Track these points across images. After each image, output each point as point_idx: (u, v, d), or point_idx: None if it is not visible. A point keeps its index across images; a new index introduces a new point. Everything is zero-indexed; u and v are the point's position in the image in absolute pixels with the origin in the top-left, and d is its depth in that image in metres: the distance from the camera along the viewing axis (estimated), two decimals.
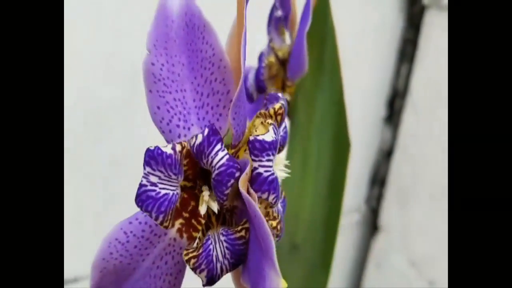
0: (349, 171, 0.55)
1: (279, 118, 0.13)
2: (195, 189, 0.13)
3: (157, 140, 0.13)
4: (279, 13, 0.19)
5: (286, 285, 0.10)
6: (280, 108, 0.13)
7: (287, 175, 0.14)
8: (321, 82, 0.21)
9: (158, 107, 0.12)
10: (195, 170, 0.13)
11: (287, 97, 0.22)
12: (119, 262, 0.13)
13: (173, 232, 0.13)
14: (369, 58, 0.47)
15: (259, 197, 0.12)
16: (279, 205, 0.14)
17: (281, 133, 0.14)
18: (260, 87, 0.20)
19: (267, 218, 0.13)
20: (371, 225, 0.53)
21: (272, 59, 0.20)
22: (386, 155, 0.49)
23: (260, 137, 0.11)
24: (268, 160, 0.11)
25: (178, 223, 0.13)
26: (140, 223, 0.13)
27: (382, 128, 0.49)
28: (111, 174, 0.35)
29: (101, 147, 0.34)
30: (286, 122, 0.19)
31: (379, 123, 0.49)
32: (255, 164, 0.11)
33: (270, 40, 0.20)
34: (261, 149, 0.11)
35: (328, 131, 0.22)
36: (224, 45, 0.13)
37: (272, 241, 0.10)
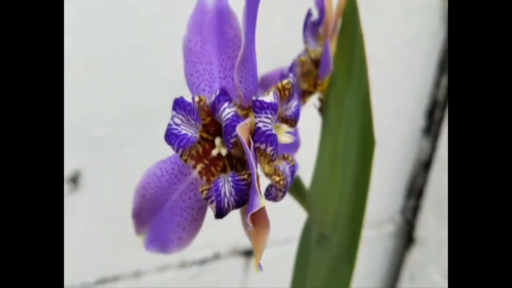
0: (384, 181, 0.54)
1: (286, 92, 0.16)
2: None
3: None
4: (314, 18, 0.22)
5: (264, 204, 0.13)
6: (287, 83, 0.16)
7: (291, 140, 0.17)
8: (350, 83, 0.23)
9: (191, 74, 0.16)
10: (215, 127, 0.16)
11: (320, 94, 0.25)
12: (154, 192, 0.17)
13: (195, 173, 0.17)
14: (409, 68, 0.48)
15: (258, 147, 0.15)
16: (287, 168, 0.17)
17: (292, 109, 0.18)
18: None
19: (272, 173, 0.17)
20: (406, 237, 0.52)
21: (304, 58, 0.23)
22: (423, 166, 0.49)
23: (260, 98, 0.15)
24: (266, 117, 0.15)
25: (199, 167, 0.17)
26: (171, 162, 0.17)
27: (420, 139, 0.49)
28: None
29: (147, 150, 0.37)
30: (318, 114, 0.21)
31: (417, 134, 0.49)
32: (256, 120, 0.15)
33: (305, 42, 0.23)
34: (260, 107, 0.15)
35: (355, 129, 0.24)
36: None
37: (255, 172, 0.13)
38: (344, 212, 0.27)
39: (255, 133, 0.15)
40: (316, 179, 0.27)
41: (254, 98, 0.15)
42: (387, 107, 0.49)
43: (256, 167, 0.15)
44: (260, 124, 0.15)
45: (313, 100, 0.26)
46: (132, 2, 0.37)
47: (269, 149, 0.15)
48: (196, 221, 0.18)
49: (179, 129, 0.15)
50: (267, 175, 0.17)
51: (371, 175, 0.25)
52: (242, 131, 0.14)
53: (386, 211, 0.53)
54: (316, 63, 0.23)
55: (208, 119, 0.16)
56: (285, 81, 0.16)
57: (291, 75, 0.17)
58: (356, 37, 0.22)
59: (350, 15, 0.21)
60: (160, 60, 0.38)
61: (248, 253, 0.51)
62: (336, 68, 0.23)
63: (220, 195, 0.15)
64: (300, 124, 0.31)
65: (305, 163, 0.28)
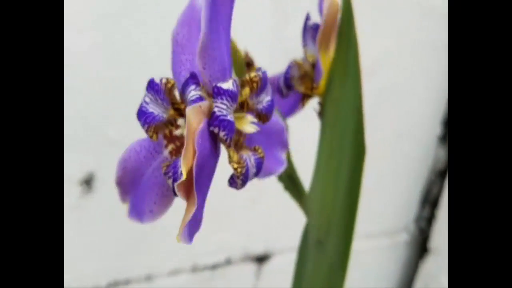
0: (399, 189, 0.52)
1: (254, 84, 0.18)
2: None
3: None
4: (312, 23, 0.23)
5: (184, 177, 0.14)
6: (255, 76, 0.17)
7: (254, 130, 0.18)
8: (345, 91, 0.24)
9: (175, 63, 0.18)
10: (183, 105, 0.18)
11: (317, 97, 0.25)
12: (134, 165, 0.19)
13: (166, 152, 0.19)
14: (426, 75, 0.46)
15: (212, 131, 0.16)
16: (252, 159, 0.18)
17: (264, 104, 0.19)
18: (287, 85, 0.24)
19: (233, 161, 0.18)
20: (420, 246, 0.50)
21: (301, 61, 0.24)
22: (439, 175, 0.46)
23: (219, 84, 0.16)
24: (222, 103, 0.16)
25: (170, 147, 0.18)
26: (148, 141, 0.19)
27: (437, 147, 0.47)
28: None
29: None
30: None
31: (434, 142, 0.47)
32: (213, 105, 0.16)
33: (304, 46, 0.24)
34: (217, 93, 0.16)
35: (348, 136, 0.25)
36: None
37: (190, 152, 0.15)
38: (337, 218, 0.27)
39: (211, 117, 0.16)
40: (313, 184, 0.28)
41: (213, 84, 0.16)
42: (404, 114, 0.49)
43: (212, 150, 0.17)
44: (215, 109, 0.16)
45: (314, 104, 0.26)
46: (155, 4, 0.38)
47: (222, 133, 0.16)
48: (166, 198, 0.19)
49: (148, 107, 0.17)
50: (229, 161, 0.18)
51: (362, 182, 0.25)
52: (192, 111, 0.15)
53: (401, 220, 0.52)
54: (314, 67, 0.24)
55: (183, 106, 0.18)
56: (252, 74, 0.17)
57: (263, 69, 0.18)
58: (352, 44, 0.22)
59: (346, 21, 0.22)
60: None
61: (260, 259, 0.51)
62: (332, 73, 0.23)
63: (176, 172, 0.17)
64: (306, 126, 0.32)
65: (309, 167, 0.29)
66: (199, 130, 0.15)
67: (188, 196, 0.15)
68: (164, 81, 0.17)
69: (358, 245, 0.51)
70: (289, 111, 0.26)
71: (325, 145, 0.26)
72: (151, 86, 0.17)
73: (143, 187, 0.20)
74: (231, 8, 0.17)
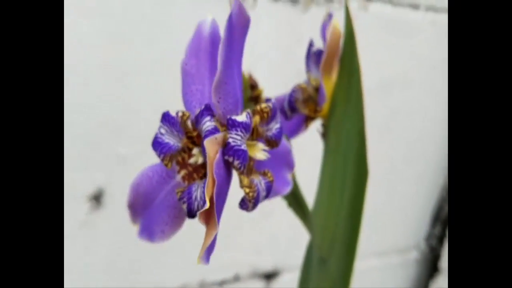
0: (410, 207, 0.52)
1: (265, 115, 0.18)
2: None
3: None
4: (315, 49, 0.24)
5: (208, 206, 0.15)
6: (266, 107, 0.18)
7: (265, 157, 0.19)
8: (348, 114, 0.25)
9: (186, 93, 0.19)
10: (201, 139, 0.19)
11: (323, 120, 0.26)
12: (146, 189, 0.20)
13: (179, 177, 0.19)
14: (437, 92, 0.47)
15: (227, 160, 0.17)
16: (262, 183, 0.19)
17: (273, 131, 0.19)
18: (292, 108, 0.25)
19: (246, 185, 0.18)
20: (431, 265, 0.51)
21: (304, 85, 0.25)
22: None
23: (233, 117, 0.17)
24: (237, 134, 0.17)
25: (183, 172, 0.19)
26: (161, 166, 0.19)
27: (447, 165, 0.48)
28: None
29: None
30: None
31: (445, 160, 0.48)
32: (228, 136, 0.17)
33: (308, 71, 0.25)
34: (232, 125, 0.17)
35: (351, 158, 0.25)
36: None
37: (207, 179, 0.15)
38: (340, 237, 0.28)
39: (226, 147, 0.17)
40: (317, 204, 0.29)
41: (228, 116, 0.17)
42: (416, 133, 0.49)
43: (227, 177, 0.17)
44: (230, 140, 0.17)
45: (317, 126, 0.27)
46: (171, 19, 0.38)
47: (236, 162, 0.17)
48: (178, 219, 0.20)
49: (163, 138, 0.17)
50: (241, 185, 0.18)
51: (364, 204, 0.26)
52: (209, 143, 0.16)
53: (411, 238, 0.53)
54: (317, 90, 0.25)
55: (195, 133, 0.19)
56: (263, 105, 0.18)
57: (273, 100, 0.19)
58: (354, 69, 0.23)
59: (348, 47, 0.23)
60: None
61: (268, 276, 0.51)
62: (335, 97, 0.24)
63: (191, 197, 0.17)
64: (308, 147, 0.33)
65: (313, 186, 0.29)
66: (216, 160, 0.16)
67: (208, 221, 0.16)
68: (180, 114, 0.17)
69: (369, 262, 0.52)
70: (293, 132, 0.27)
71: (328, 165, 0.27)
72: (167, 118, 0.17)
73: (155, 209, 0.20)
74: (244, 43, 0.18)
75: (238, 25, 0.17)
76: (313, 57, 0.25)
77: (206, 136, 0.17)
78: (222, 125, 0.18)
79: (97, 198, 0.40)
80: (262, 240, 0.49)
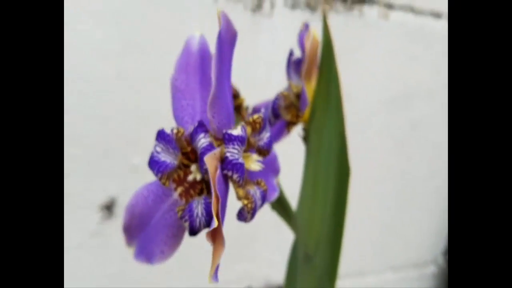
0: (428, 222, 0.52)
1: (257, 125, 0.19)
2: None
3: None
4: (295, 58, 0.25)
5: (217, 225, 0.15)
6: (258, 118, 0.19)
7: (260, 168, 0.19)
8: (328, 117, 0.25)
9: (177, 108, 0.19)
10: (195, 155, 0.19)
11: (303, 125, 0.27)
12: (142, 210, 0.20)
13: (176, 195, 0.19)
14: None
15: (226, 174, 0.17)
16: (258, 192, 0.20)
17: (264, 140, 0.20)
18: (275, 114, 0.26)
19: (243, 197, 0.19)
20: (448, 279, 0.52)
21: (287, 93, 0.26)
22: None
23: (229, 131, 0.17)
24: (234, 148, 0.17)
25: (180, 189, 0.19)
26: (157, 184, 0.19)
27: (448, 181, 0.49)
28: None
29: None
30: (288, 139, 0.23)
31: None
32: (225, 150, 0.17)
33: (288, 79, 0.26)
34: (228, 139, 0.17)
35: (332, 158, 0.26)
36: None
37: (214, 196, 0.16)
38: (325, 235, 0.29)
39: (224, 162, 0.17)
40: (300, 203, 0.29)
41: (224, 131, 0.17)
42: (434, 145, 0.49)
43: (225, 190, 0.18)
44: (227, 154, 0.17)
45: (299, 130, 0.28)
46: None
47: (235, 175, 0.17)
48: (177, 238, 0.20)
49: (160, 156, 0.17)
50: (238, 197, 0.19)
51: (348, 201, 0.27)
52: (209, 159, 0.16)
53: (429, 252, 0.53)
54: (298, 97, 0.26)
55: (189, 148, 0.19)
56: (255, 116, 0.19)
57: (262, 110, 0.19)
58: (332, 75, 0.24)
59: (327, 55, 0.24)
60: None
61: None
62: (315, 102, 0.25)
63: (193, 215, 0.17)
64: (289, 149, 0.34)
65: (294, 187, 0.30)
66: (217, 177, 0.16)
67: (215, 239, 0.16)
68: (175, 131, 0.17)
69: (385, 276, 0.51)
70: (276, 137, 0.28)
71: (311, 166, 0.28)
72: (162, 136, 0.17)
73: (152, 229, 0.20)
74: (232, 56, 0.18)
75: (227, 39, 0.18)
76: (293, 65, 0.25)
77: (202, 153, 0.17)
78: (216, 139, 0.18)
79: (108, 208, 0.39)
80: (275, 253, 0.49)
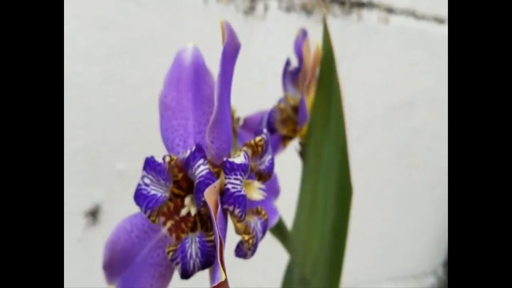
0: (428, 234, 0.51)
1: (259, 148, 0.16)
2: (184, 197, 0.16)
3: None
4: (292, 67, 0.23)
5: (225, 277, 0.13)
6: (260, 140, 0.16)
7: (262, 197, 0.17)
8: (328, 132, 0.23)
9: (166, 129, 0.16)
10: (187, 183, 0.16)
11: (300, 139, 0.25)
12: (124, 246, 0.17)
13: (165, 230, 0.16)
14: None
15: (227, 209, 0.15)
16: (258, 224, 0.17)
17: (266, 163, 0.17)
18: (271, 129, 0.23)
19: (243, 231, 0.16)
20: None
21: (283, 105, 0.24)
22: None
23: (231, 159, 0.15)
24: (236, 179, 0.15)
25: (169, 224, 0.16)
26: (142, 218, 0.17)
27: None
28: None
29: None
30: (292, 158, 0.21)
31: None
32: (225, 181, 0.15)
33: (284, 89, 0.24)
34: (230, 168, 0.15)
35: (333, 176, 0.24)
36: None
37: (218, 239, 0.13)
38: (324, 257, 0.27)
39: (224, 194, 0.15)
40: (297, 223, 0.27)
41: (225, 158, 0.15)
42: (436, 155, 0.48)
43: (226, 228, 0.15)
44: (229, 186, 0.15)
45: (295, 144, 0.26)
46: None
47: (237, 210, 0.15)
48: (164, 278, 0.17)
49: (149, 189, 0.15)
50: (238, 232, 0.16)
51: (349, 222, 0.25)
52: (209, 195, 0.14)
53: (429, 263, 0.52)
54: (296, 109, 0.24)
55: (181, 175, 0.16)
56: (258, 138, 0.16)
57: (264, 130, 0.17)
58: (334, 87, 0.22)
59: (327, 64, 0.22)
60: None
61: None
62: (314, 115, 0.23)
63: (186, 256, 0.15)
64: (284, 165, 0.31)
65: (289, 204, 0.28)
66: (220, 210, 0.14)
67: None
68: (167, 159, 0.15)
69: (385, 287, 0.50)
70: None
71: (309, 185, 0.25)
72: (152, 166, 0.15)
73: (136, 268, 0.17)
74: (233, 73, 0.16)
75: (230, 55, 0.15)
76: (289, 75, 0.23)
77: (201, 183, 0.15)
78: (214, 166, 0.16)
79: (93, 214, 0.38)
80: (269, 263, 0.46)
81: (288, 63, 0.23)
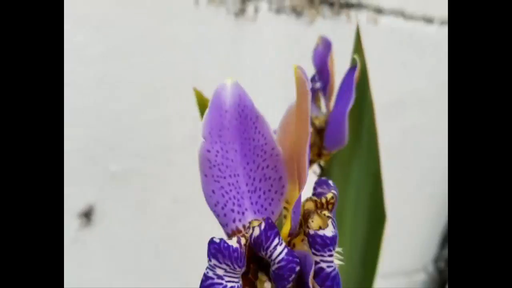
0: (418, 229, 0.52)
1: (330, 207, 0.13)
2: (248, 274, 0.13)
3: None
4: (317, 85, 0.20)
5: None
6: (332, 198, 0.13)
7: (341, 262, 0.14)
8: (358, 153, 0.21)
9: (213, 191, 0.13)
10: (256, 262, 0.13)
11: (322, 163, 0.22)
12: None
13: None
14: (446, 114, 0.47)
15: None
16: None
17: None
18: None
19: None
20: (438, 287, 0.52)
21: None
22: None
23: (321, 232, 0.12)
24: (330, 256, 0.12)
25: None
26: None
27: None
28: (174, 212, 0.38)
29: (166, 186, 0.37)
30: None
31: None
32: (317, 259, 0.12)
33: None
34: (323, 244, 0.11)
35: (363, 202, 0.22)
36: (277, 132, 0.14)
37: None
38: (351, 286, 0.24)
39: (318, 275, 0.12)
40: None
41: (312, 232, 0.12)
42: (428, 153, 0.48)
43: None
44: (323, 265, 0.11)
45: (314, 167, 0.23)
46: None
47: None
48: None
49: (223, 282, 0.11)
50: None
51: (381, 252, 0.23)
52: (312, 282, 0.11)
53: (419, 259, 0.52)
54: (320, 131, 0.21)
55: (248, 254, 0.13)
56: (329, 195, 0.13)
57: (331, 182, 0.14)
58: (366, 105, 0.19)
59: (362, 81, 0.19)
60: (184, 97, 0.35)
61: None
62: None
63: None
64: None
65: None
66: None
67: None
68: (243, 241, 0.11)
69: (375, 284, 0.49)
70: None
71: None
72: (226, 254, 0.11)
73: None
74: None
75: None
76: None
77: (283, 268, 0.11)
78: (289, 235, 0.12)
79: (87, 215, 0.37)
80: None
81: (314, 80, 0.20)
